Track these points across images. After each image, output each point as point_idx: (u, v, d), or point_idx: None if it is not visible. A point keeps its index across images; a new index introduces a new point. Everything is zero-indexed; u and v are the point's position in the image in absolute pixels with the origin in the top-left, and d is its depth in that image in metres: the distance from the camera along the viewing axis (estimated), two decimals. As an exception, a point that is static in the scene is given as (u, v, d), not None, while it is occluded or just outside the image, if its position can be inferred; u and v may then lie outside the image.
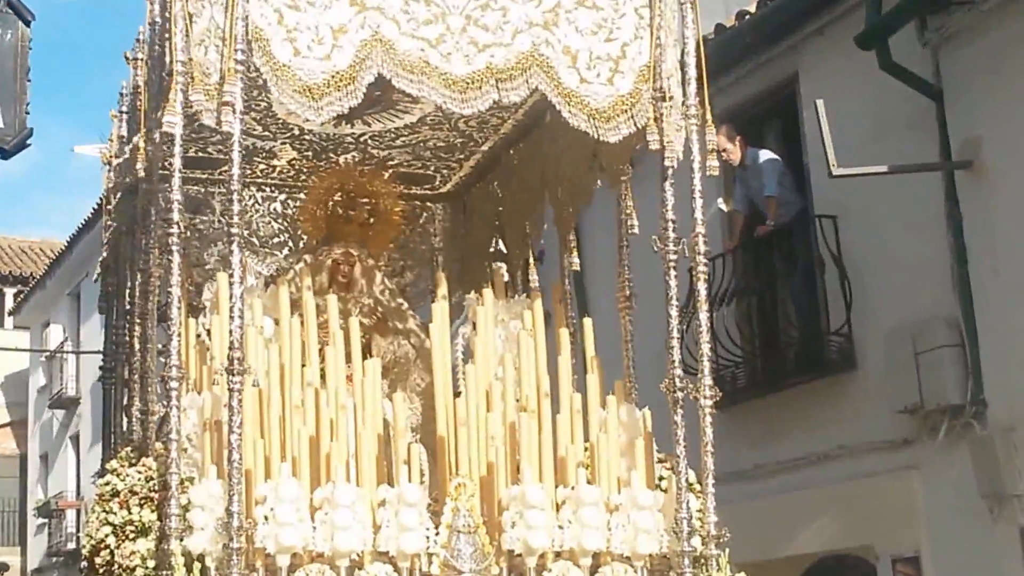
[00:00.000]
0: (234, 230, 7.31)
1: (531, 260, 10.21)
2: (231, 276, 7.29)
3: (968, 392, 11.87)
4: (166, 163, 8.04)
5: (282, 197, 10.91)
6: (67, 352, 35.16)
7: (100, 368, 11.42)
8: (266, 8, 7.42)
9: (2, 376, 38.67)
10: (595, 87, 7.94)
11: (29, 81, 11.24)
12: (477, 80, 7.74)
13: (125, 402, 9.87)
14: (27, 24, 11.29)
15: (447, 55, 7.68)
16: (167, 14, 7.64)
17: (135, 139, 8.41)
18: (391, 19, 7.61)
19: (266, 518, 7.18)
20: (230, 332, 7.26)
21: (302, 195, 10.72)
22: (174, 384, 7.53)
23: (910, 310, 12.51)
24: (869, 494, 12.88)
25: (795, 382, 13.60)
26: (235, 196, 7.34)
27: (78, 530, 33.06)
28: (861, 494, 12.97)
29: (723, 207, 14.71)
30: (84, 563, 8.44)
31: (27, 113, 11.22)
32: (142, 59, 9.32)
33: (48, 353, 36.62)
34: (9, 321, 39.19)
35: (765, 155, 13.46)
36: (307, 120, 9.24)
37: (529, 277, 10.05)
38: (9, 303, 39.65)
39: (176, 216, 7.69)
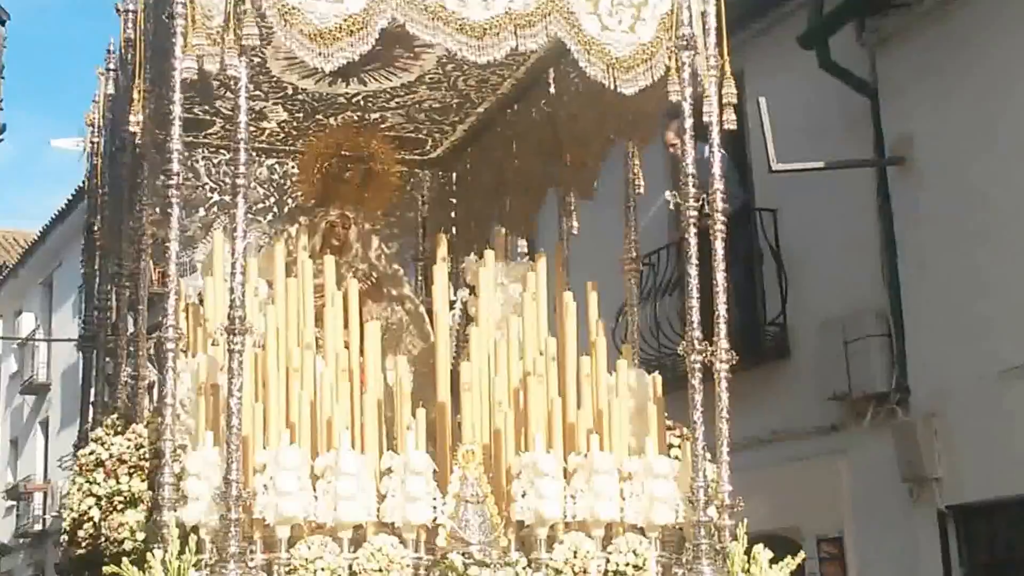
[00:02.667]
0: (240, 181, 6.90)
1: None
2: (234, 230, 6.83)
3: (893, 380, 12.17)
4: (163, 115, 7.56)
5: (270, 162, 10.38)
6: (38, 340, 34.68)
7: (79, 336, 10.86)
8: None
9: (-27, 363, 37.92)
10: (616, 35, 7.50)
11: (3, 79, 10.87)
12: (495, 26, 7.28)
13: (110, 370, 9.36)
14: (2, 23, 10.96)
15: (463, 0, 7.18)
16: None
17: (134, 86, 7.77)
18: None
19: (265, 487, 6.70)
20: (231, 290, 6.75)
21: (290, 160, 10.30)
22: (170, 345, 6.99)
23: (841, 301, 12.75)
24: (798, 478, 13.18)
25: (732, 370, 13.21)
26: (242, 145, 6.91)
27: (45, 512, 33.50)
28: (790, 478, 13.27)
29: (670, 199, 14.31)
30: (64, 537, 7.92)
31: (1, 108, 10.63)
32: (133, 10, 8.77)
33: (20, 341, 36.05)
34: (-19, 309, 38.25)
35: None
36: (303, 77, 9.13)
37: (528, 241, 9.70)
38: (-18, 291, 38.61)
39: (176, 167, 7.18)
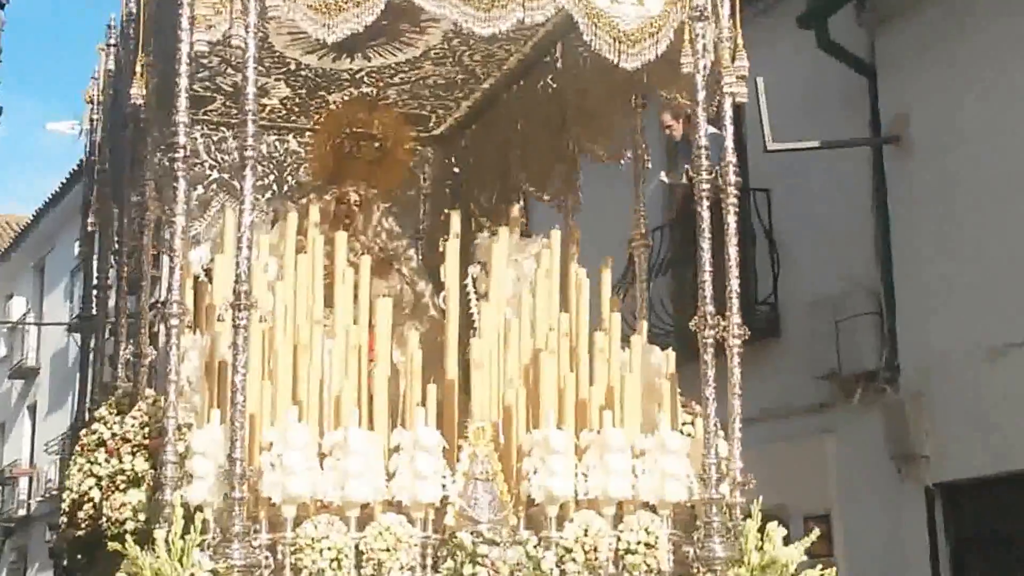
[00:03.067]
0: (248, 152, 6.57)
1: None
2: (242, 203, 6.53)
3: (882, 359, 12.07)
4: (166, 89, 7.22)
5: (271, 139, 10.01)
6: (29, 324, 34.30)
7: (78, 315, 10.60)
8: None
9: (-37, 346, 37.59)
10: (625, 7, 7.19)
11: (0, 62, 10.55)
12: None
13: (110, 350, 9.01)
14: (1, 7, 10.61)
15: None
16: None
17: (137, 59, 7.44)
18: None
19: (272, 465, 6.39)
20: (236, 264, 6.46)
21: (291, 137, 10.00)
22: (174, 321, 6.66)
23: (833, 280, 12.65)
24: (786, 456, 12.83)
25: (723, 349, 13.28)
26: (249, 116, 6.60)
27: (30, 497, 33.18)
28: (779, 456, 12.75)
29: (665, 180, 14.09)
30: (63, 519, 7.65)
31: None
32: None
33: (10, 324, 35.70)
34: (-28, 293, 37.92)
35: (712, 131, 12.63)
36: (307, 52, 8.84)
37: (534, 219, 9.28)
38: (-27, 275, 38.27)
39: (182, 139, 6.80)
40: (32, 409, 34.47)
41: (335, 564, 6.30)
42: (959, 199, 11.47)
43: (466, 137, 10.15)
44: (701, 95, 7.34)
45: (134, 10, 8.34)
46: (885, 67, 12.39)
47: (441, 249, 8.22)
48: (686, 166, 13.36)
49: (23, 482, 33.59)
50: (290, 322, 7.03)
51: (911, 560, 11.98)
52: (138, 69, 7.45)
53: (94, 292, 9.79)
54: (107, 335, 9.41)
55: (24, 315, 34.92)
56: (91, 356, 9.95)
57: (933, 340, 11.71)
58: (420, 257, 9.47)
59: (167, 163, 7.40)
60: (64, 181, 29.97)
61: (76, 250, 28.94)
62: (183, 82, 6.76)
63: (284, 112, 9.80)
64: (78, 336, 28.22)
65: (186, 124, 6.83)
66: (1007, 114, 10.95)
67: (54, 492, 28.34)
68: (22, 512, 32.94)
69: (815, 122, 12.69)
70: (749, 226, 13.08)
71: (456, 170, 10.26)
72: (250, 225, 6.48)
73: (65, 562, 8.49)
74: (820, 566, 7.00)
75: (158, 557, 5.98)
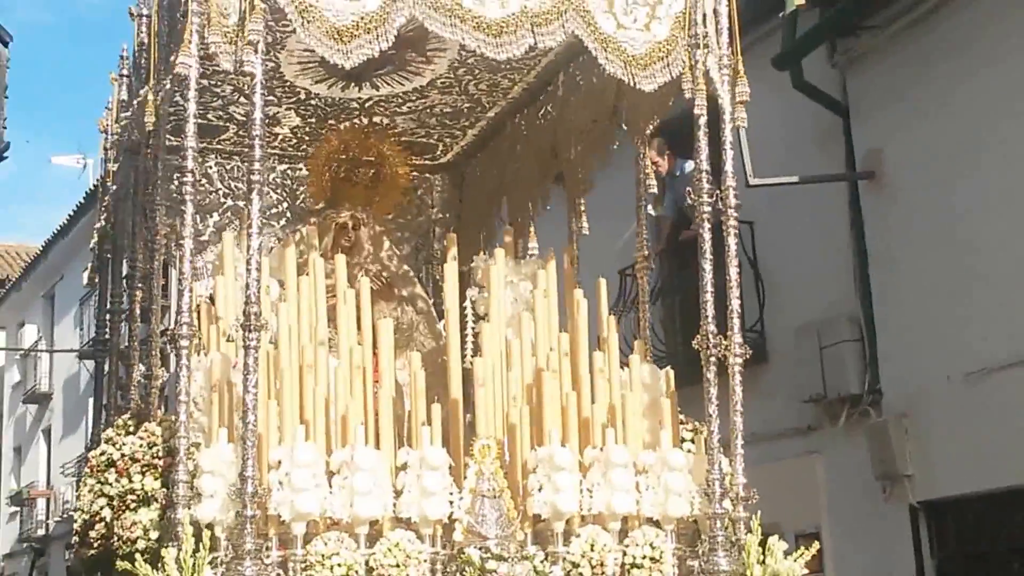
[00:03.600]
0: (255, 177, 6.39)
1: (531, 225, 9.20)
2: (249, 226, 6.37)
3: (866, 383, 11.99)
4: (173, 116, 7.30)
5: (282, 167, 9.82)
6: (41, 351, 34.14)
7: (92, 340, 10.41)
8: None
9: (-22, 372, 37.40)
10: (632, 33, 7.08)
11: (7, 98, 10.56)
12: (512, 23, 6.82)
13: (122, 373, 8.88)
14: (5, 45, 10.64)
15: None
16: None
17: (143, 91, 7.32)
18: None
19: (280, 484, 6.24)
20: (246, 286, 6.31)
21: (302, 165, 9.72)
22: (184, 343, 6.47)
23: (816, 308, 12.58)
24: (776, 476, 12.26)
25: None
26: (256, 142, 6.41)
27: (48, 517, 32.63)
28: (769, 476, 12.41)
29: (652, 212, 14.01)
30: (76, 539, 7.49)
31: (4, 128, 10.36)
32: (147, 15, 8.28)
33: (23, 351, 35.50)
34: (-14, 322, 37.72)
35: (691, 165, 12.53)
36: (316, 82, 8.66)
37: (528, 243, 9.06)
38: (-14, 304, 38.07)
39: (191, 164, 6.63)
40: (47, 433, 34.25)
41: None
42: (933, 230, 11.36)
43: (471, 164, 9.96)
44: (702, 119, 7.14)
45: (145, 40, 8.19)
46: (857, 106, 12.34)
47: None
48: (674, 199, 13.30)
49: (40, 503, 33.28)
50: (295, 342, 6.85)
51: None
52: (149, 97, 7.30)
53: (108, 317, 9.54)
54: (119, 359, 9.14)
55: (36, 343, 34.66)
56: (105, 380, 9.70)
57: (913, 365, 11.58)
58: (434, 279, 9.29)
59: (177, 188, 7.32)
60: (71, 213, 29.80)
61: (84, 279, 28.79)
62: (191, 107, 6.62)
63: (295, 141, 9.60)
64: (89, 363, 28.27)
65: (195, 148, 6.67)
66: (976, 149, 10.85)
67: (70, 513, 28.20)
68: (41, 532, 32.56)
69: (793, 158, 12.64)
70: (724, 263, 12.92)
71: (461, 196, 10.06)
72: (259, 248, 6.35)
73: None
74: (818, 581, 6.81)
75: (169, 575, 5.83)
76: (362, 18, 6.50)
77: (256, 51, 6.40)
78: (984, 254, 10.71)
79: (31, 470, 35.45)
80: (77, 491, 8.05)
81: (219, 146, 9.22)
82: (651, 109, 7.87)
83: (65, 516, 29.65)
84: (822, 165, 12.39)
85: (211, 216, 9.40)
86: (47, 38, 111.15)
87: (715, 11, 7.16)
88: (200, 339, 7.28)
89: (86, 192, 28.40)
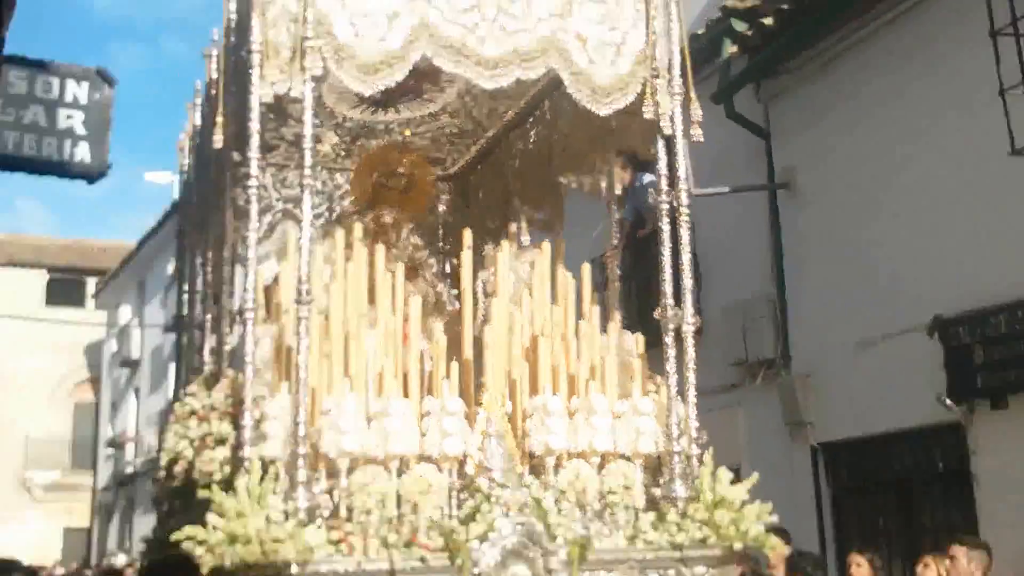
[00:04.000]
0: (307, 180, 6.26)
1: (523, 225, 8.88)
2: (301, 219, 6.27)
3: (778, 350, 11.96)
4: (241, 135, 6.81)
5: (323, 176, 9.52)
6: (133, 326, 33.83)
7: (174, 316, 10.19)
8: None
9: (85, 344, 36.86)
10: (600, 67, 6.81)
11: (111, 127, 10.24)
12: (505, 60, 6.59)
13: (197, 342, 8.57)
14: (111, 86, 10.48)
15: (481, 39, 6.52)
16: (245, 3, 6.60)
17: (217, 117, 7.09)
18: (436, 7, 6.46)
19: (329, 427, 6.02)
20: (299, 268, 6.15)
21: (339, 175, 9.52)
22: (249, 315, 6.30)
23: (741, 292, 12.51)
24: (707, 424, 12.11)
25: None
26: (307, 152, 6.28)
27: (135, 458, 32.52)
28: (702, 424, 12.33)
29: (617, 215, 13.93)
30: (162, 473, 7.23)
31: (108, 152, 10.47)
32: (216, 55, 8.06)
33: (119, 327, 35.21)
34: (91, 303, 37.63)
35: (648, 178, 12.60)
36: (351, 108, 8.48)
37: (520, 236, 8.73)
38: (91, 289, 37.84)
39: (255, 170, 6.44)
40: (136, 391, 34.09)
41: (380, 504, 5.92)
42: (833, 230, 11.34)
43: (474, 175, 9.66)
44: (665, 132, 6.99)
45: (215, 75, 7.98)
46: (776, 132, 12.28)
47: (457, 261, 8.05)
48: (633, 205, 13.05)
49: (130, 447, 33.01)
50: (341, 315, 6.65)
51: (802, 504, 11.73)
52: (219, 120, 7.04)
53: (186, 299, 9.25)
54: (197, 330, 8.87)
55: (129, 320, 34.35)
56: (183, 349, 9.51)
57: (815, 336, 11.56)
58: (441, 267, 9.07)
59: (242, 194, 7.09)
60: (160, 218, 29.55)
61: (169, 269, 28.72)
62: (255, 126, 6.39)
63: (334, 156, 9.33)
64: (170, 336, 28.02)
65: (258, 160, 6.48)
66: (869, 165, 10.77)
67: (154, 455, 27.94)
68: (130, 470, 32.28)
69: (726, 173, 12.47)
70: (678, 251, 12.70)
71: (467, 200, 9.77)
72: (309, 239, 6.21)
73: (164, 507, 8.04)
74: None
75: (240, 501, 5.61)
76: (386, 55, 6.31)
77: (305, 81, 6.20)
78: (872, 250, 10.60)
79: (123, 421, 35.20)
80: (162, 436, 7.80)
81: (273, 161, 8.96)
82: (641, 135, 7.49)
83: (148, 457, 29.46)
84: (748, 178, 12.27)
85: (266, 216, 9.05)
86: (144, 79, 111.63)
87: (669, 50, 6.93)
88: (266, 312, 7.07)
89: (172, 201, 28.32)
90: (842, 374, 11.09)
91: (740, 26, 12.01)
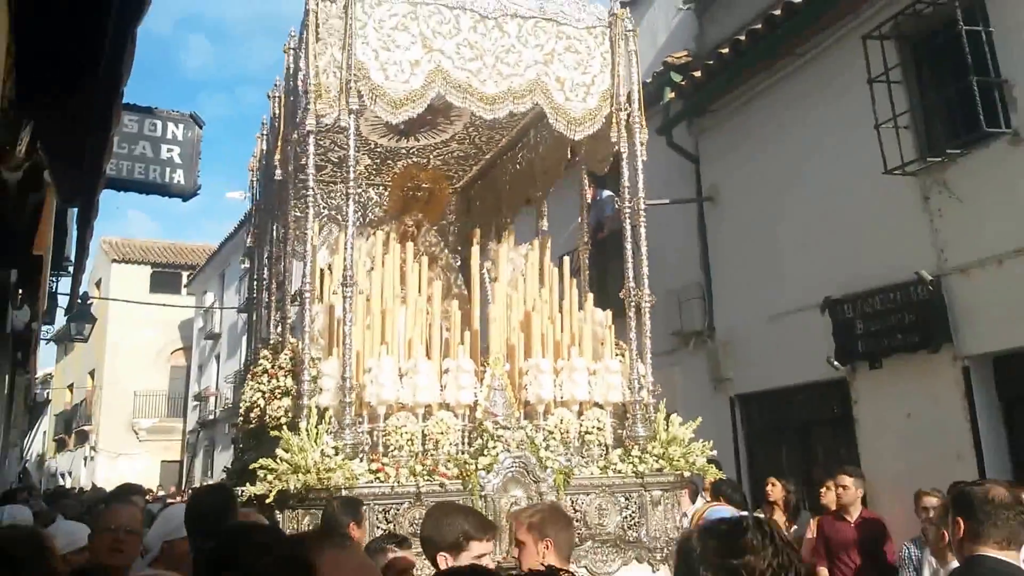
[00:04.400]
0: (350, 189, 6.12)
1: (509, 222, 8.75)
2: (346, 222, 6.14)
3: (705, 323, 11.51)
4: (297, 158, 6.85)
5: (358, 190, 9.03)
6: (215, 308, 33.49)
7: (246, 299, 9.98)
8: (367, 49, 6.12)
9: (179, 322, 36.46)
10: (574, 103, 6.60)
11: (200, 158, 10.35)
12: (501, 97, 6.39)
13: (266, 318, 8.26)
14: (200, 127, 10.57)
15: (483, 81, 6.34)
16: (302, 54, 6.40)
17: (280, 137, 6.88)
18: (448, 57, 6.28)
19: (371, 382, 5.85)
20: (344, 258, 5.99)
21: (371, 190, 9.18)
22: (307, 295, 6.08)
23: (678, 279, 11.90)
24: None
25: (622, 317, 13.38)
26: (351, 170, 6.15)
27: (216, 408, 31.78)
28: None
29: (583, 222, 13.66)
30: (240, 419, 7.05)
31: (198, 177, 10.42)
32: (279, 95, 7.83)
33: (204, 309, 34.75)
34: (184, 290, 37.11)
35: (606, 193, 12.41)
36: (381, 136, 8.22)
37: (501, 234, 8.56)
38: (184, 280, 37.52)
39: (311, 182, 6.28)
40: (217, 357, 33.53)
41: (410, 442, 5.78)
42: (747, 232, 10.87)
43: (475, 188, 9.38)
44: (625, 153, 6.76)
45: (277, 112, 7.78)
46: (704, 157, 11.81)
47: (464, 255, 8.07)
48: (595, 213, 12.79)
49: (212, 400, 32.48)
50: (379, 295, 6.48)
51: (723, 443, 11.11)
52: (278, 157, 7.02)
53: (255, 286, 9.06)
54: (263, 310, 8.62)
55: (212, 303, 33.92)
56: (253, 325, 9.29)
57: (734, 312, 11.10)
58: (450, 258, 8.68)
59: (298, 203, 7.03)
60: (236, 225, 29.15)
61: (242, 264, 28.37)
62: (311, 149, 6.22)
63: (367, 174, 9.03)
64: (243, 315, 27.64)
65: (313, 175, 6.34)
66: (776, 183, 10.35)
67: (229, 406, 27.61)
68: (211, 417, 31.86)
69: (666, 189, 11.95)
70: (632, 248, 12.49)
71: (469, 208, 9.47)
72: (352, 236, 6.07)
73: (240, 445, 7.88)
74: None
75: (302, 439, 5.46)
76: (409, 93, 6.11)
77: (349, 114, 6.04)
78: (776, 247, 10.23)
79: (207, 379, 34.69)
80: (239, 390, 7.56)
81: (321, 178, 8.61)
82: (602, 155, 7.30)
83: (225, 408, 29.10)
84: (683, 193, 11.79)
85: (315, 220, 8.80)
86: (225, 121, 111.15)
87: (629, 91, 6.72)
88: (319, 293, 6.84)
89: (245, 213, 28.00)
90: (754, 341, 10.67)
91: (677, 77, 11.71)
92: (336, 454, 5.45)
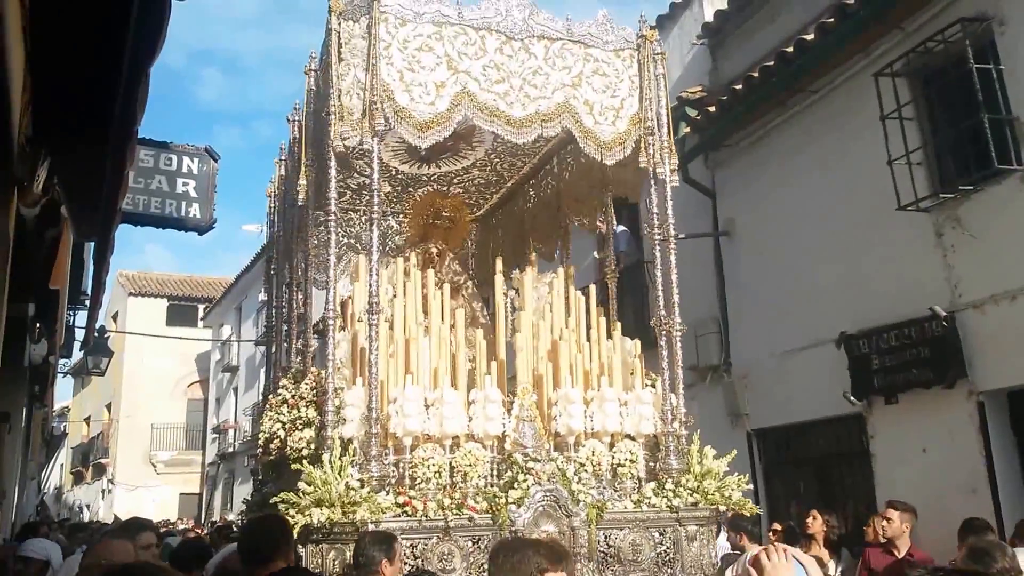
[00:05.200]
0: (375, 214, 5.74)
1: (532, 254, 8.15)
2: (370, 248, 5.69)
3: (722, 358, 11.13)
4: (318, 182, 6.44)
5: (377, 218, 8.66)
6: (232, 340, 33.04)
7: (264, 327, 9.64)
8: (391, 70, 5.75)
9: (196, 354, 36.02)
10: (603, 127, 6.22)
11: (215, 191, 10.20)
12: (529, 121, 6.02)
13: (285, 345, 7.95)
14: (216, 160, 10.37)
15: (510, 104, 5.96)
16: (325, 76, 6.02)
17: (300, 180, 6.55)
18: (474, 79, 5.91)
19: (396, 412, 5.43)
20: (368, 285, 5.59)
21: (389, 217, 8.80)
22: (331, 322, 5.68)
23: (695, 313, 11.23)
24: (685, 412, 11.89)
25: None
26: (376, 194, 5.77)
27: (234, 440, 31.29)
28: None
29: (596, 255, 13.28)
30: (260, 450, 6.71)
31: (214, 209, 10.03)
32: (298, 120, 7.48)
33: (222, 341, 34.31)
34: (200, 323, 36.57)
35: (620, 228, 12.03)
36: (402, 163, 7.90)
37: (523, 263, 8.02)
38: (201, 312, 37.00)
39: (333, 207, 5.92)
40: (235, 390, 33.04)
41: (437, 474, 5.37)
42: (764, 266, 10.56)
43: (494, 217, 9.00)
44: (654, 178, 6.34)
45: (297, 136, 7.40)
46: (720, 192, 11.48)
47: (482, 284, 7.76)
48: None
49: (231, 433, 31.94)
50: (402, 324, 6.05)
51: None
52: (301, 183, 6.49)
53: (274, 313, 8.66)
54: (283, 340, 8.29)
55: (229, 336, 33.45)
56: (272, 356, 8.97)
57: (749, 348, 10.78)
58: (473, 287, 8.17)
59: (314, 230, 6.90)
60: (252, 258, 28.71)
61: (260, 296, 27.95)
62: (332, 172, 5.89)
63: (387, 202, 8.63)
64: (262, 347, 27.20)
65: (335, 199, 5.98)
66: (790, 215, 10.06)
67: (248, 438, 27.17)
68: (230, 450, 31.29)
69: (683, 222, 11.51)
70: (645, 283, 12.20)
71: (489, 237, 9.07)
72: (376, 262, 5.65)
73: (259, 477, 7.57)
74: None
75: (325, 472, 5.08)
76: (435, 116, 5.74)
77: (373, 136, 5.67)
78: (793, 282, 9.90)
79: (225, 412, 34.21)
80: (258, 421, 7.14)
81: (340, 205, 8.02)
82: (632, 183, 6.98)
83: (244, 440, 28.62)
84: (699, 227, 11.38)
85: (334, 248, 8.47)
86: (239, 154, 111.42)
87: (658, 113, 6.34)
88: (342, 321, 6.43)
89: (262, 245, 27.61)
90: (771, 376, 10.31)
91: (692, 112, 11.44)
92: (361, 487, 5.07)
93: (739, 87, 10.27)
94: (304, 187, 6.43)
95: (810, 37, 9.06)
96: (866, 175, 8.73)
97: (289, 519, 4.93)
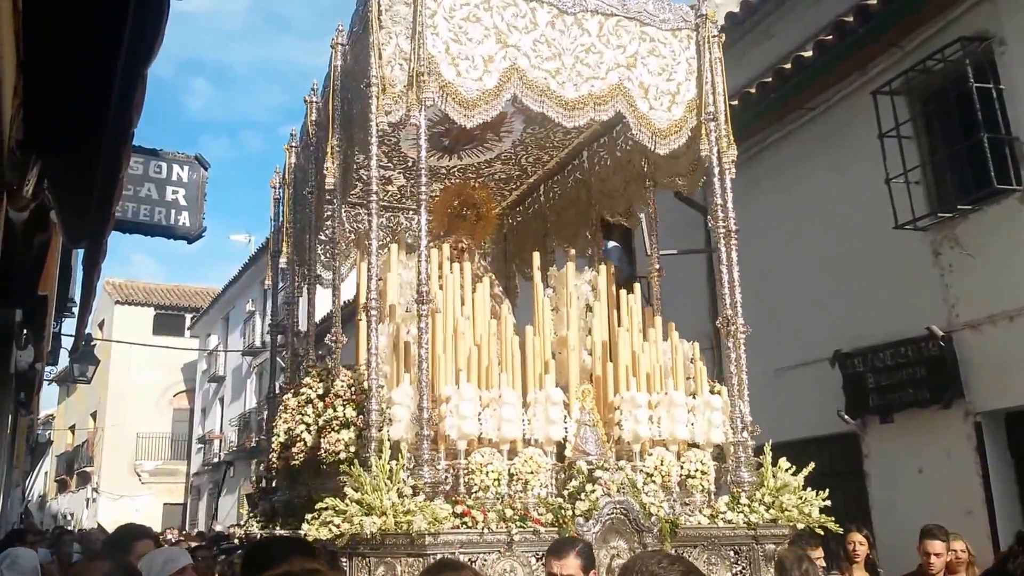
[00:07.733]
0: (423, 197, 4.71)
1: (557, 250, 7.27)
2: (419, 235, 4.70)
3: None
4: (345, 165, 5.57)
5: (388, 214, 7.69)
6: (219, 351, 31.54)
7: (270, 325, 8.85)
8: (437, 40, 4.81)
9: (182, 364, 34.33)
10: (659, 113, 5.34)
11: (205, 200, 9.33)
12: (581, 103, 5.11)
13: (295, 343, 7.07)
14: (205, 168, 9.50)
15: (561, 83, 5.05)
16: (356, 48, 5.22)
17: (328, 143, 5.45)
18: (524, 54, 4.99)
19: (450, 412, 4.45)
20: (419, 272, 4.60)
21: (400, 215, 7.70)
22: (373, 313, 4.64)
23: (687, 328, 10.35)
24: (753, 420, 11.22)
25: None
26: (423, 176, 4.73)
27: (220, 451, 29.68)
28: None
29: (617, 262, 12.51)
30: (273, 456, 5.69)
31: (203, 218, 9.17)
32: (318, 101, 6.46)
33: (209, 351, 32.71)
34: (187, 333, 34.97)
35: (612, 243, 11.08)
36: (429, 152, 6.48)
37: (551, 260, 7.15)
38: (187, 322, 35.49)
39: (375, 186, 4.85)
40: (221, 400, 31.44)
41: (496, 482, 4.37)
42: (757, 284, 9.67)
43: (512, 214, 7.93)
44: (716, 170, 5.54)
45: (317, 118, 6.38)
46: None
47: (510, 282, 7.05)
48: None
49: (216, 443, 30.35)
50: (448, 318, 4.98)
51: None
52: (329, 150, 5.43)
53: (286, 307, 7.55)
54: (293, 336, 7.33)
55: (216, 346, 31.84)
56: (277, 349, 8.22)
57: (744, 363, 9.85)
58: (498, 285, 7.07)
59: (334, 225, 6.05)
60: (240, 268, 27.26)
61: (247, 307, 26.50)
62: (374, 149, 4.86)
63: (399, 197, 7.54)
64: (248, 356, 25.69)
65: (377, 178, 4.91)
66: (785, 233, 9.35)
67: (234, 448, 25.64)
68: (215, 460, 29.69)
69: (676, 238, 10.79)
70: (644, 296, 11.25)
71: (506, 235, 7.97)
72: (426, 245, 4.69)
73: (267, 483, 6.45)
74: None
75: (376, 476, 4.08)
76: (483, 93, 4.81)
77: (421, 109, 4.66)
78: (787, 300, 9.13)
79: (210, 423, 32.59)
80: (271, 424, 6.03)
81: (348, 199, 7.02)
82: (670, 171, 6.12)
83: (231, 450, 27.06)
84: (692, 243, 10.64)
85: (341, 243, 7.24)
86: (228, 163, 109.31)
87: (714, 99, 5.42)
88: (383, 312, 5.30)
89: (249, 256, 26.35)
90: (764, 395, 9.44)
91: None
92: (415, 494, 4.08)
93: (736, 103, 9.63)
94: (332, 170, 5.38)
95: (808, 54, 8.52)
96: (863, 193, 8.24)
97: (333, 528, 3.94)
